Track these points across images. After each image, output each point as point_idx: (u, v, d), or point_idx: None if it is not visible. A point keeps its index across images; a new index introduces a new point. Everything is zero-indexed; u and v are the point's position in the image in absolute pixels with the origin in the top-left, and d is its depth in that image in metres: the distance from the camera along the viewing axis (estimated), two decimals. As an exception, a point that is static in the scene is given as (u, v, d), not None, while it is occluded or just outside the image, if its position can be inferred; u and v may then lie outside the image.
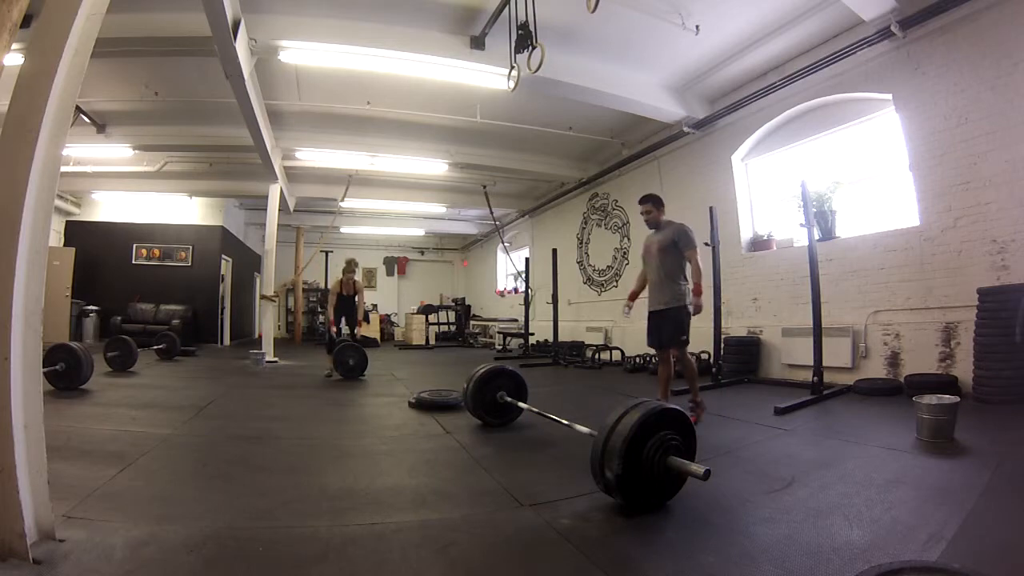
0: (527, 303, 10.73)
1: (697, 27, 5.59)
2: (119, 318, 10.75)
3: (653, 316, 4.04)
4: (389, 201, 12.23)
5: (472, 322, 15.85)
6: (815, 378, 4.82)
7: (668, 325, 3.91)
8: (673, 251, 3.92)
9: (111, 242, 11.57)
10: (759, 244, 6.96)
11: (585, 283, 10.96)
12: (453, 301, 16.53)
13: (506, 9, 4.85)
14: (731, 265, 6.85)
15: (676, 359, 4.03)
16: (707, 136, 7.59)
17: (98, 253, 11.27)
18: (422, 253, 19.27)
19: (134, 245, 11.86)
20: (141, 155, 9.02)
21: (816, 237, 5.33)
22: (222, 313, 12.73)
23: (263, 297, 9.32)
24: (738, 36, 5.93)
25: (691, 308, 3.84)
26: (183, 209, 12.06)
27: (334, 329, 6.74)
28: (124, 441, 3.18)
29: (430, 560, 1.73)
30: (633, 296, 4.28)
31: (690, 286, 3.93)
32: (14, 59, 2.52)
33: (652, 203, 4.09)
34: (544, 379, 6.66)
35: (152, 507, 2.14)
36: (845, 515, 2.04)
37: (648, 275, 4.14)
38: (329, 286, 7.54)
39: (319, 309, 14.83)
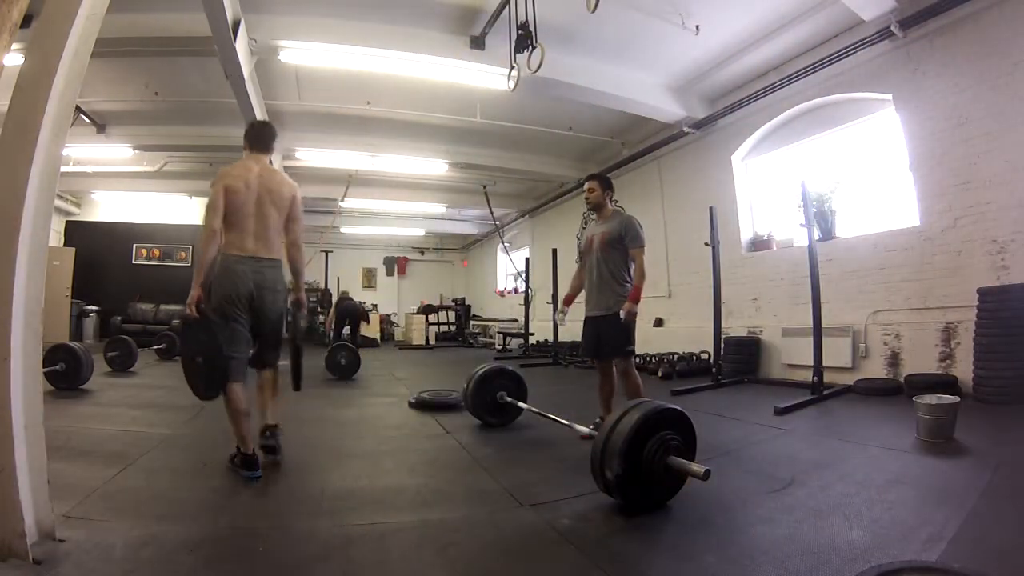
0: (527, 303, 10.71)
1: (697, 27, 5.59)
2: (119, 318, 10.76)
3: (590, 322, 3.51)
4: (389, 201, 12.23)
5: (472, 322, 15.82)
6: (815, 378, 4.82)
7: (611, 332, 3.34)
8: (619, 247, 3.39)
9: (111, 242, 11.58)
10: (759, 244, 6.96)
11: (585, 283, 10.95)
12: (453, 301, 16.51)
13: (506, 9, 4.85)
14: (731, 265, 6.84)
15: (619, 371, 3.42)
16: (707, 136, 7.58)
17: (98, 253, 11.27)
18: (422, 253, 19.24)
19: (134, 245, 11.88)
20: (141, 155, 9.03)
21: (816, 237, 5.32)
22: (222, 313, 12.71)
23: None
24: (738, 36, 5.92)
25: (623, 314, 3.26)
26: (183, 209, 12.06)
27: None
28: (124, 441, 3.19)
29: (430, 560, 1.73)
30: (569, 300, 3.76)
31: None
32: (14, 59, 2.52)
33: (598, 181, 3.57)
34: (544, 379, 6.64)
35: (152, 507, 2.14)
36: (845, 515, 2.04)
37: (587, 273, 3.57)
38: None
39: (319, 309, 14.85)
